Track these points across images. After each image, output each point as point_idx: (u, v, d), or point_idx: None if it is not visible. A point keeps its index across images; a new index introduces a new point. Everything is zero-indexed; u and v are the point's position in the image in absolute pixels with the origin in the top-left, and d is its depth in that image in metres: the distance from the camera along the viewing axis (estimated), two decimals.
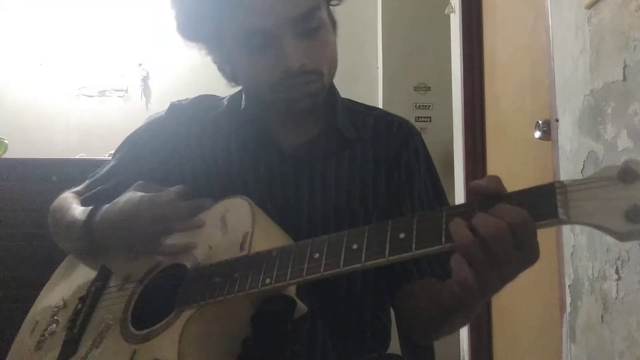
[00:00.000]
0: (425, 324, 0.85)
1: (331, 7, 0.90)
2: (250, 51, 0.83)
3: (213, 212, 0.85)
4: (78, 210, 0.94)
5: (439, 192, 0.97)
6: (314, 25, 0.83)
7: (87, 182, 1.05)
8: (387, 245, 0.59)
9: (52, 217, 1.01)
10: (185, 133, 0.98)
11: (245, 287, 0.69)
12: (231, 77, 0.93)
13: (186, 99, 1.03)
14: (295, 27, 0.81)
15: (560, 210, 0.50)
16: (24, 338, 0.97)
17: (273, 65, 0.82)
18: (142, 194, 0.87)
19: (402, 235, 0.59)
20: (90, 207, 0.92)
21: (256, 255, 0.72)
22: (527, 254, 0.55)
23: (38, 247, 2.23)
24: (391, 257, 0.59)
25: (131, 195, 0.87)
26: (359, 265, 0.61)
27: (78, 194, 1.04)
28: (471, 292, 0.56)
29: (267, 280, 0.68)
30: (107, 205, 0.89)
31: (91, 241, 0.90)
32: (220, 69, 0.94)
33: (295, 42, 0.81)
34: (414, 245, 0.58)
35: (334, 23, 0.90)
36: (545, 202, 0.52)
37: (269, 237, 0.77)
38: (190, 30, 0.89)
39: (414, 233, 0.58)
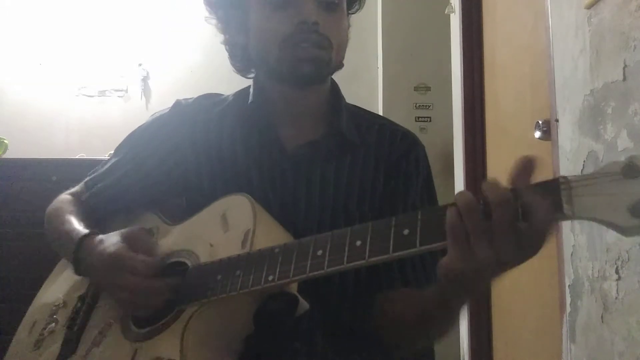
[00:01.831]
0: (402, 330, 0.85)
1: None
2: (272, 6, 0.89)
3: (214, 210, 0.85)
4: (73, 232, 0.93)
5: (433, 205, 0.98)
6: (336, 0, 0.91)
7: (86, 178, 1.05)
8: (391, 242, 0.60)
9: (48, 223, 1.01)
10: (189, 129, 0.98)
11: (248, 284, 0.69)
12: (243, 58, 0.97)
13: (192, 97, 1.04)
14: None
15: (565, 206, 0.51)
16: (22, 337, 0.96)
17: (290, 18, 0.88)
18: (119, 252, 0.81)
19: (406, 232, 0.59)
20: (80, 235, 0.90)
21: (258, 252, 0.72)
22: (527, 240, 0.54)
23: (38, 247, 2.23)
24: (395, 253, 0.59)
25: (113, 247, 0.83)
26: (362, 261, 0.61)
27: (75, 195, 1.04)
28: (465, 270, 0.57)
29: (270, 277, 0.68)
30: (97, 239, 0.87)
31: (78, 270, 0.91)
32: (232, 51, 0.99)
33: (315, 5, 0.88)
34: (418, 241, 0.58)
35: (348, 26, 0.97)
36: (550, 197, 0.52)
37: (270, 235, 0.77)
38: None
39: (418, 229, 0.59)
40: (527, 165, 0.56)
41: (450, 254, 0.58)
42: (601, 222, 0.49)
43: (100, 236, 0.88)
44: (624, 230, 0.48)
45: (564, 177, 0.52)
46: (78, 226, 0.94)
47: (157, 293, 0.78)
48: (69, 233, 0.93)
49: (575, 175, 0.51)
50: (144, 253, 0.81)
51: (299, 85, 0.92)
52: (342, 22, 0.93)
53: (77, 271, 0.91)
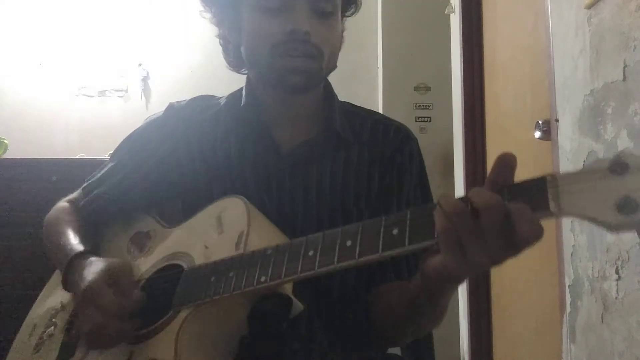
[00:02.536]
0: (393, 321, 0.86)
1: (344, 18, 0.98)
2: (264, 11, 0.88)
3: (209, 212, 0.85)
4: (67, 247, 0.92)
5: (427, 198, 0.99)
6: (329, 9, 0.90)
7: (84, 184, 1.05)
8: (381, 241, 0.60)
9: (46, 234, 1.01)
10: (183, 132, 0.98)
11: (241, 286, 0.69)
12: (235, 55, 0.97)
13: (184, 99, 1.04)
14: (312, 2, 0.88)
15: (551, 203, 0.50)
16: (23, 340, 0.97)
17: (281, 25, 0.87)
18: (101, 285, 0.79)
19: (395, 231, 0.59)
20: (72, 254, 0.89)
21: (251, 253, 0.72)
22: (518, 239, 0.53)
23: (38, 247, 2.23)
24: (384, 253, 0.59)
25: (92, 276, 0.80)
26: (352, 261, 0.61)
27: (73, 202, 1.04)
28: (452, 268, 0.57)
29: (263, 278, 0.68)
30: (86, 262, 0.85)
31: (65, 286, 0.89)
32: (226, 47, 0.99)
33: (308, 13, 0.87)
34: (407, 241, 0.58)
35: (342, 30, 0.97)
36: (536, 195, 0.51)
37: (264, 236, 0.77)
38: None
39: (407, 228, 0.58)
40: (507, 162, 0.56)
41: (443, 257, 0.58)
42: (588, 219, 0.49)
43: (91, 258, 0.85)
44: (611, 227, 0.48)
45: (551, 175, 0.51)
46: (73, 241, 0.93)
47: (120, 336, 0.75)
48: (64, 248, 0.92)
49: (562, 173, 0.50)
50: (122, 291, 0.77)
51: (289, 93, 0.92)
52: (335, 29, 0.92)
53: (64, 287, 0.89)
